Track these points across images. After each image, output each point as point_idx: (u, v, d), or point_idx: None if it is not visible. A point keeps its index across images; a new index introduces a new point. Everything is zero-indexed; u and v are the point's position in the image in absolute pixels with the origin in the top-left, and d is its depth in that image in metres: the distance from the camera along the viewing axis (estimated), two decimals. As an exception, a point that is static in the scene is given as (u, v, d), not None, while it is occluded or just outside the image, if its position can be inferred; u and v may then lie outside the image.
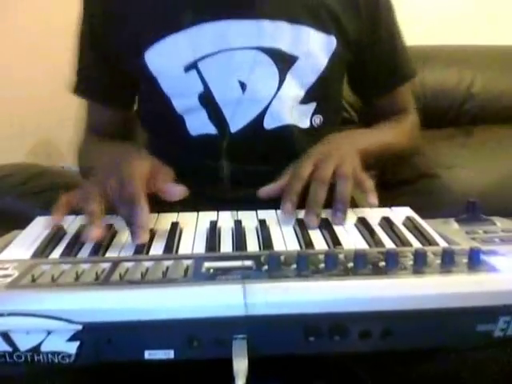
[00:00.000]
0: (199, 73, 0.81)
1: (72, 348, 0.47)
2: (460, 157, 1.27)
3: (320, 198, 0.67)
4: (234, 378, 0.45)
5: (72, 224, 0.66)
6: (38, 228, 0.65)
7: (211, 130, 0.83)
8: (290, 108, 0.84)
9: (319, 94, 0.85)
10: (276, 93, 0.82)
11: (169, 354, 0.48)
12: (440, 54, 1.47)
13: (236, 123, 0.83)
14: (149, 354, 0.48)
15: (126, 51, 0.83)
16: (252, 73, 0.81)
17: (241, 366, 0.45)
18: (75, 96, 0.91)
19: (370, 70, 0.92)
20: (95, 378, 0.56)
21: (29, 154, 1.56)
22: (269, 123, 0.83)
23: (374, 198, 0.69)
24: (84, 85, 0.90)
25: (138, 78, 0.86)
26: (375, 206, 0.69)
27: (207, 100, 0.82)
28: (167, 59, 0.81)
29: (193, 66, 0.81)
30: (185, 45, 0.80)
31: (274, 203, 0.70)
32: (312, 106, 0.86)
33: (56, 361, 0.48)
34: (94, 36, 0.86)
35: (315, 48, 0.83)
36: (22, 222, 0.66)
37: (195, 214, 0.69)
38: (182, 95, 0.83)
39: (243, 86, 0.81)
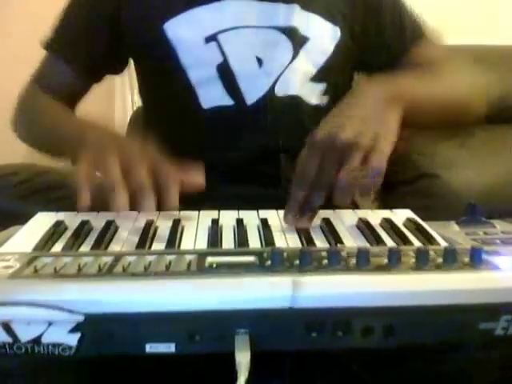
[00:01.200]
0: (219, 44, 0.84)
1: (73, 340, 0.47)
2: (460, 157, 1.27)
3: (314, 203, 0.64)
4: (236, 372, 0.44)
5: (73, 220, 0.66)
6: (40, 223, 0.65)
7: (227, 101, 0.85)
8: (302, 81, 0.87)
9: (328, 76, 0.89)
10: (288, 64, 0.86)
11: (170, 348, 0.48)
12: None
13: (251, 95, 0.85)
14: (150, 348, 0.48)
15: (142, 22, 0.85)
16: (268, 50, 0.85)
17: (243, 360, 0.45)
18: (46, 52, 0.92)
19: (379, 59, 0.93)
20: (96, 375, 0.56)
21: (29, 154, 1.56)
22: (279, 90, 0.86)
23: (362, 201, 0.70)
24: (62, 45, 0.91)
25: (152, 48, 0.87)
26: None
27: (225, 71, 0.84)
28: (189, 30, 0.84)
29: (213, 38, 0.84)
30: (207, 18, 0.84)
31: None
32: (322, 85, 0.89)
33: (56, 352, 0.47)
34: (94, 5, 0.88)
35: (323, 34, 0.88)
36: (22, 222, 0.66)
37: (196, 212, 0.69)
38: (200, 66, 0.85)
39: (260, 61, 0.85)
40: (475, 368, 0.57)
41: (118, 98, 1.71)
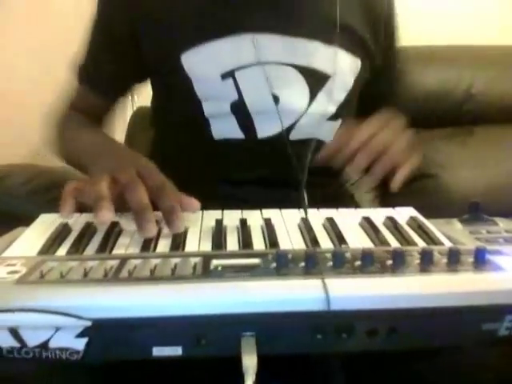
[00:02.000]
0: (235, 82, 0.82)
1: (80, 344, 0.47)
2: (460, 157, 1.28)
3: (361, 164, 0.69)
4: (243, 375, 0.45)
5: (77, 221, 0.66)
6: (43, 225, 0.65)
7: (238, 135, 0.84)
8: (319, 123, 0.86)
9: (346, 111, 0.89)
10: (306, 109, 0.85)
11: (177, 351, 0.48)
12: (440, 54, 1.47)
13: (264, 131, 0.84)
14: (157, 351, 0.48)
15: (160, 50, 0.84)
16: (286, 87, 0.84)
17: (250, 363, 0.45)
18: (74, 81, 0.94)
19: (374, 90, 0.95)
20: (103, 378, 0.56)
21: (29, 154, 1.55)
22: (294, 135, 0.86)
23: (397, 183, 0.72)
24: (88, 75, 0.92)
25: (168, 76, 0.87)
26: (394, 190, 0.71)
27: (239, 108, 0.83)
28: (206, 64, 0.82)
29: (230, 75, 0.82)
30: (225, 52, 0.82)
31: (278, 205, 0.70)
32: (338, 122, 0.89)
33: (64, 357, 0.48)
34: (114, 31, 0.87)
35: (345, 68, 0.87)
36: (22, 222, 0.66)
37: (199, 212, 0.69)
38: (215, 101, 0.84)
39: (276, 99, 0.84)
40: (478, 368, 0.57)
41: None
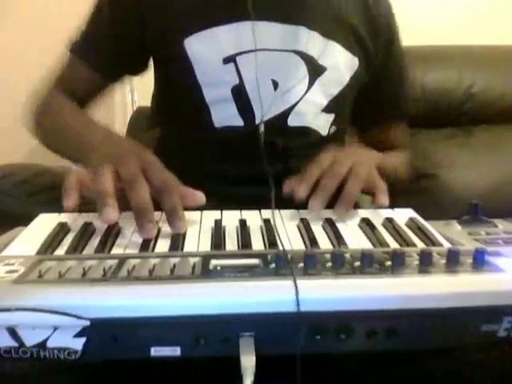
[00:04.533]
0: (236, 66, 0.84)
1: (78, 344, 0.47)
2: (460, 157, 1.28)
3: (330, 185, 0.69)
4: (241, 375, 0.45)
5: (76, 221, 0.66)
6: (42, 225, 0.64)
7: (237, 122, 0.85)
8: (314, 113, 0.88)
9: (338, 107, 0.90)
10: (304, 95, 0.86)
11: (175, 351, 0.48)
12: (440, 54, 1.47)
13: (262, 116, 0.85)
14: (155, 351, 0.48)
15: (164, 35, 0.85)
16: (286, 73, 0.85)
17: (248, 363, 0.45)
18: (69, 54, 0.92)
19: (375, 97, 0.96)
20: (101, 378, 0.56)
21: (29, 154, 1.55)
22: (292, 121, 0.86)
23: (384, 199, 0.71)
24: (87, 50, 0.91)
25: (171, 61, 0.87)
26: (385, 207, 0.70)
27: (239, 93, 0.84)
28: (208, 48, 0.84)
29: (231, 59, 0.84)
30: (227, 38, 0.83)
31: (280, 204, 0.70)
32: (331, 116, 0.90)
33: (62, 357, 0.47)
34: (118, 14, 0.87)
35: (341, 64, 0.88)
36: (22, 222, 0.65)
37: (199, 212, 0.69)
38: (216, 85, 0.85)
39: (275, 84, 0.85)
40: (477, 369, 0.57)
41: (118, 98, 1.71)
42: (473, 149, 1.31)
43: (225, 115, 0.85)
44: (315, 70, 0.86)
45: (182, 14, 0.84)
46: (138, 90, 1.68)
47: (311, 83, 0.86)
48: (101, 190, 0.59)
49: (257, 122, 0.85)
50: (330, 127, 0.91)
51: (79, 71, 0.92)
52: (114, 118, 1.73)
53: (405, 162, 1.02)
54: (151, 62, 0.94)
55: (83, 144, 0.76)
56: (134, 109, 1.62)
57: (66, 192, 0.62)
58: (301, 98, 0.86)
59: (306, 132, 0.87)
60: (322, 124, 0.89)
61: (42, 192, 1.07)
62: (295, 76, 0.85)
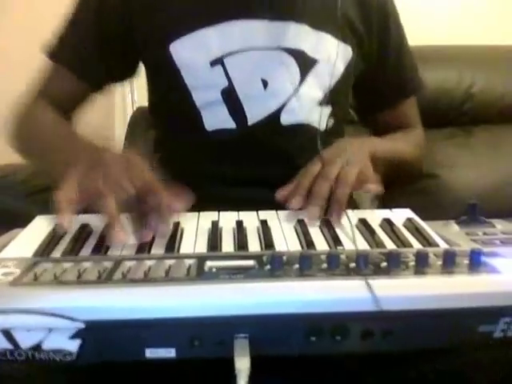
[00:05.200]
0: (224, 68, 0.82)
1: (74, 346, 0.47)
2: (460, 157, 1.27)
3: (323, 191, 0.69)
4: (236, 377, 0.45)
5: (73, 223, 0.65)
6: (39, 227, 0.65)
7: (229, 124, 0.84)
8: (309, 107, 0.86)
9: (335, 98, 0.88)
10: (295, 91, 0.85)
11: (170, 353, 0.48)
12: (440, 54, 1.46)
13: (254, 117, 0.84)
14: (150, 353, 0.48)
15: (150, 41, 0.84)
16: (275, 71, 0.83)
17: (243, 365, 0.45)
18: (49, 61, 0.89)
19: (376, 82, 0.94)
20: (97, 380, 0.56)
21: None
22: (285, 119, 0.85)
23: (371, 187, 0.72)
24: (68, 55, 0.88)
25: (158, 68, 0.87)
26: (379, 193, 0.71)
27: (229, 95, 0.83)
28: (194, 52, 0.82)
29: (219, 62, 0.82)
30: (213, 40, 0.82)
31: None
32: (328, 108, 0.88)
33: (57, 359, 0.48)
34: (104, 18, 0.85)
35: (333, 54, 0.86)
36: (22, 222, 0.66)
37: (196, 214, 0.69)
38: (205, 89, 0.84)
39: (265, 83, 0.84)
40: (474, 370, 0.57)
41: (117, 98, 1.71)
42: (473, 149, 1.30)
43: (216, 119, 0.84)
44: (306, 64, 0.85)
45: (166, 19, 0.83)
46: (138, 90, 1.68)
47: (303, 78, 0.85)
48: (107, 212, 0.58)
49: (249, 123, 0.84)
50: (328, 120, 0.89)
51: (64, 80, 0.88)
52: (114, 118, 1.73)
53: (413, 142, 0.98)
54: (141, 66, 0.92)
55: (65, 155, 0.74)
56: (134, 109, 1.62)
57: (59, 213, 0.59)
58: (292, 95, 0.84)
59: (301, 129, 0.86)
60: (319, 118, 0.87)
61: (41, 192, 1.07)
62: (284, 73, 0.84)
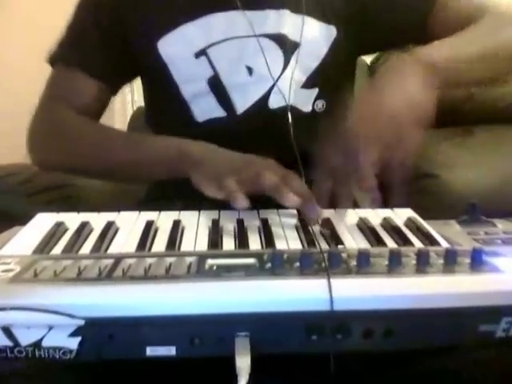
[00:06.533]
0: (208, 58, 0.85)
1: (73, 343, 0.47)
2: (460, 157, 1.27)
3: (347, 197, 0.70)
4: (236, 376, 0.44)
5: (73, 221, 0.66)
6: (39, 224, 0.65)
7: (219, 113, 0.86)
8: (294, 90, 0.87)
9: (321, 80, 0.88)
10: (281, 74, 0.86)
11: (170, 351, 0.48)
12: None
13: (242, 104, 0.86)
14: (150, 351, 0.48)
15: (139, 39, 0.86)
16: (258, 58, 0.85)
17: (243, 363, 0.45)
18: (58, 67, 0.90)
19: (390, 21, 0.88)
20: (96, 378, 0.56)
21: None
22: (273, 103, 0.86)
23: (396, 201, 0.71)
24: (80, 57, 0.89)
25: (148, 65, 0.88)
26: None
27: (216, 84, 0.85)
28: (179, 47, 0.85)
29: (203, 53, 0.85)
30: (196, 33, 0.85)
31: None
32: (314, 91, 0.89)
33: (57, 356, 0.47)
34: (101, 18, 0.88)
35: (315, 36, 0.87)
36: (22, 222, 0.65)
37: (197, 212, 0.69)
38: (192, 80, 0.86)
39: (250, 70, 0.86)
40: (475, 369, 0.57)
41: (118, 97, 1.71)
42: (473, 149, 1.31)
43: (206, 108, 0.86)
44: (289, 48, 0.86)
45: (153, 17, 0.86)
46: (137, 90, 1.69)
47: (287, 61, 0.86)
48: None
49: (238, 110, 0.85)
50: (315, 102, 0.89)
51: (78, 82, 0.89)
52: (114, 118, 1.73)
53: (485, 27, 0.79)
54: None
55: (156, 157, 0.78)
56: (134, 109, 1.62)
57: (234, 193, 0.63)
58: (278, 78, 0.86)
59: (290, 112, 0.85)
60: (304, 101, 0.88)
61: (42, 192, 1.07)
62: (269, 58, 0.85)
